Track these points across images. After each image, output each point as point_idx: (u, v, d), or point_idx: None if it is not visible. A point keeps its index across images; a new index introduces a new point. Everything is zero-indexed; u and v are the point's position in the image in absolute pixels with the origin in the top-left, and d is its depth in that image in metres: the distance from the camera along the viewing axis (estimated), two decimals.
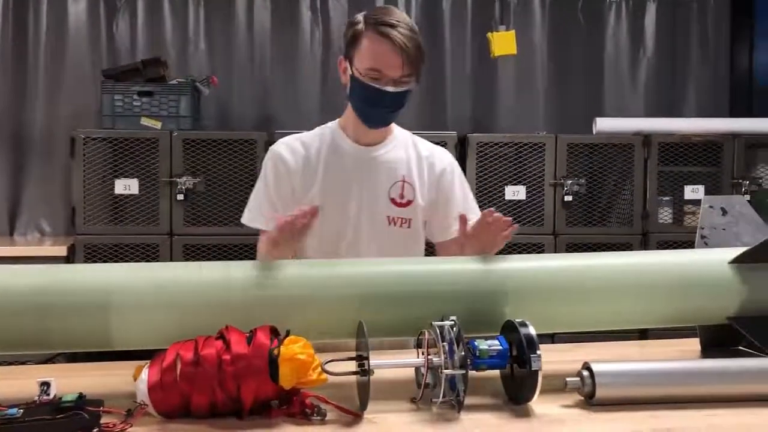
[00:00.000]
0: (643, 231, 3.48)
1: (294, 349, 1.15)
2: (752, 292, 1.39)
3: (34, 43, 3.69)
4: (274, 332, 1.21)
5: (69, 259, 3.22)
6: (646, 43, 4.09)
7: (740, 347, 1.58)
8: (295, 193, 1.69)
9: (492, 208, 1.39)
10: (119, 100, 3.34)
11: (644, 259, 1.43)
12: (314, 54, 3.90)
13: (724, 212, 1.59)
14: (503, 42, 3.35)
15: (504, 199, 3.43)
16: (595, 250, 3.13)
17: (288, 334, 1.21)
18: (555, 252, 3.33)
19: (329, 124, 1.77)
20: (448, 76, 3.97)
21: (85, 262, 3.19)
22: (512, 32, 3.38)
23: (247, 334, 1.18)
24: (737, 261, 1.40)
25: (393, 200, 1.70)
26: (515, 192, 3.44)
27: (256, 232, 1.75)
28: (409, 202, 1.71)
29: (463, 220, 1.47)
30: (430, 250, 1.85)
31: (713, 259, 1.41)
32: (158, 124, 3.35)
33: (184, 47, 3.82)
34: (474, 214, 1.75)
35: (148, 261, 3.21)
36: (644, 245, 3.47)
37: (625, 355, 1.61)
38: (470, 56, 3.98)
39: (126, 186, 3.30)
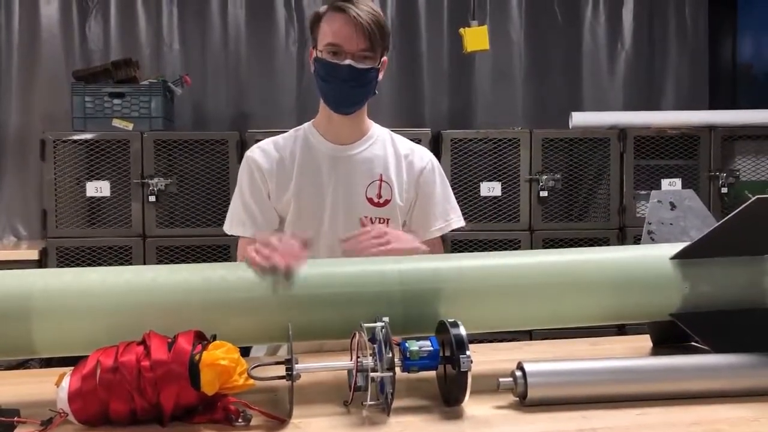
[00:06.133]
0: (620, 225, 3.46)
1: (216, 354, 1.13)
2: (694, 287, 1.36)
3: (6, 46, 3.67)
4: (199, 337, 1.19)
5: (41, 262, 3.20)
6: (624, 36, 4.07)
7: (692, 343, 1.56)
8: (271, 197, 1.67)
9: (369, 227, 1.39)
10: (90, 102, 3.32)
11: (583, 257, 1.40)
12: (289, 52, 3.88)
13: (673, 206, 1.57)
14: (476, 37, 3.31)
15: (479, 195, 3.41)
16: (571, 246, 3.16)
17: (214, 338, 1.19)
18: (531, 248, 3.32)
19: (304, 125, 1.74)
20: (425, 72, 3.95)
21: (58, 265, 3.18)
22: (485, 27, 3.34)
23: (170, 340, 1.16)
24: (679, 256, 1.38)
25: (370, 200, 1.67)
26: (491, 188, 3.42)
27: (229, 235, 1.73)
28: (386, 202, 1.67)
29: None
30: None
31: (655, 255, 1.39)
32: (130, 126, 3.33)
33: (158, 47, 3.80)
34: (455, 213, 1.75)
35: (121, 264, 3.19)
36: (621, 239, 3.45)
37: (574, 353, 1.58)
38: (447, 52, 3.96)
39: (97, 188, 3.29)
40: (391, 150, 1.72)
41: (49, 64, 3.69)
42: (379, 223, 1.66)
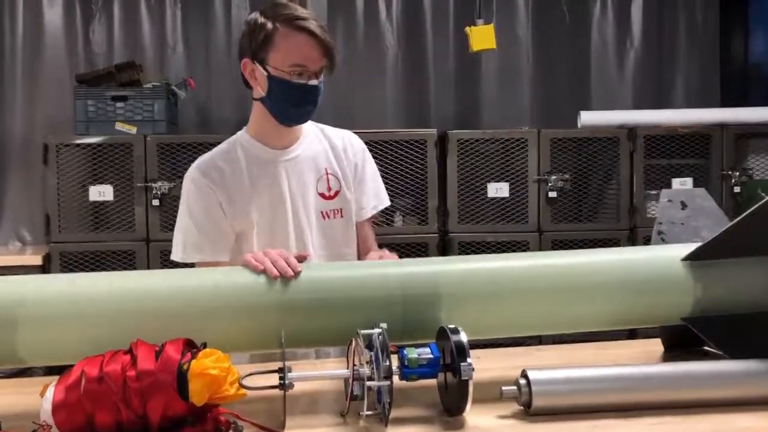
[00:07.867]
0: (631, 226, 3.39)
1: (205, 363, 1.08)
2: (707, 290, 1.30)
3: (10, 50, 3.65)
4: (189, 345, 1.15)
5: (45, 268, 3.17)
6: (633, 34, 4.00)
7: (705, 348, 1.50)
8: (227, 213, 1.61)
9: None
10: (93, 106, 3.29)
11: (590, 259, 1.34)
12: None
13: (684, 206, 1.51)
14: (482, 36, 3.25)
15: (487, 196, 3.36)
16: (581, 247, 3.10)
17: (205, 346, 1.15)
18: (540, 250, 3.26)
19: (236, 135, 1.70)
20: (431, 71, 3.90)
21: (61, 270, 3.15)
22: (491, 26, 3.28)
23: (157, 348, 1.11)
24: (691, 258, 1.32)
25: (321, 195, 1.70)
26: (498, 189, 3.36)
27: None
28: (336, 193, 1.71)
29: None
30: None
31: (666, 256, 1.33)
32: (133, 129, 3.30)
33: (162, 50, 3.77)
34: (384, 193, 1.80)
35: (125, 268, 3.16)
36: (632, 240, 3.38)
37: (582, 358, 1.53)
38: (453, 51, 3.90)
39: (101, 192, 3.26)
40: (325, 143, 1.74)
41: (53, 68, 3.66)
42: (334, 215, 1.70)
